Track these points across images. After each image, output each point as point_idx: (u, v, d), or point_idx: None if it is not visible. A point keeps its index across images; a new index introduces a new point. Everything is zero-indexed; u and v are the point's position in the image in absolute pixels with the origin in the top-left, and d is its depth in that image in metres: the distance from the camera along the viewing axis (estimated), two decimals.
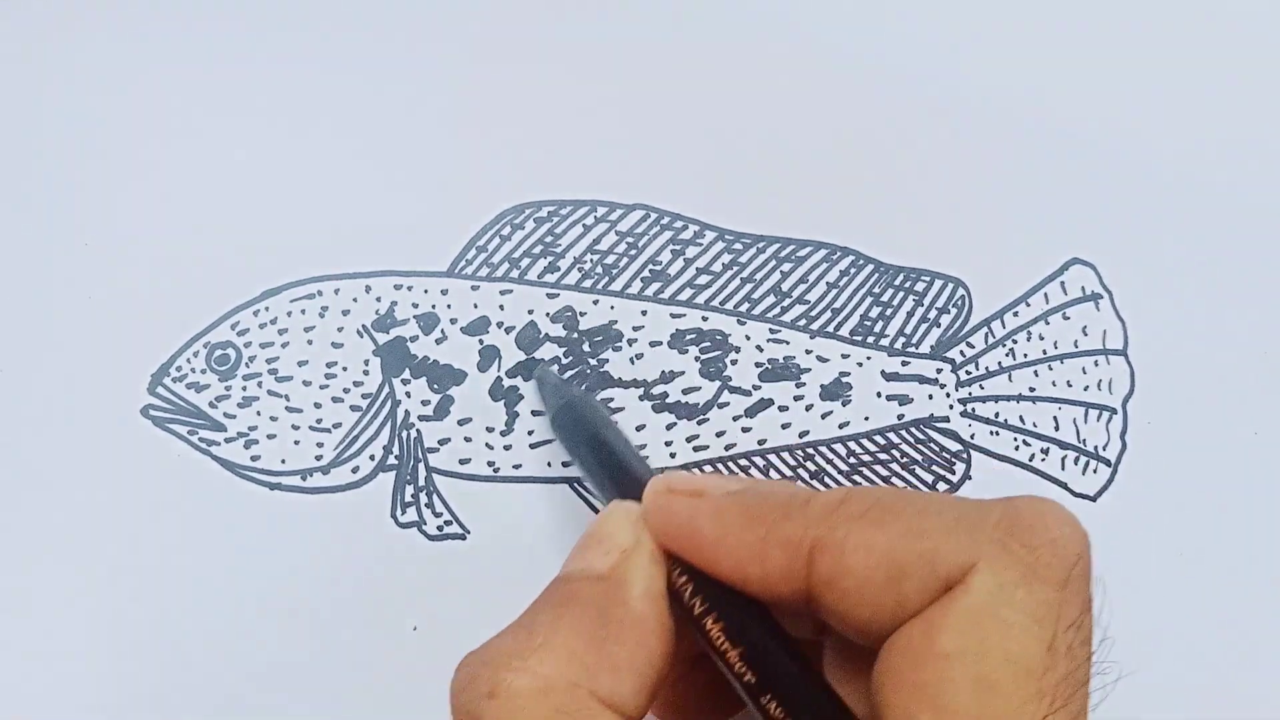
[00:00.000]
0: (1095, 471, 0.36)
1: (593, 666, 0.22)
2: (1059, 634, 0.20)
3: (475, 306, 0.36)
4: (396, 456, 0.35)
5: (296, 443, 0.34)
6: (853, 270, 0.37)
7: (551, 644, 0.22)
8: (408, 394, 0.35)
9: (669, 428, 0.35)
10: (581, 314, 0.36)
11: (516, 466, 0.35)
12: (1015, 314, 0.37)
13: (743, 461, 0.35)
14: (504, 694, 0.21)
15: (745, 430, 0.36)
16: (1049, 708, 0.20)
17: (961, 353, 0.37)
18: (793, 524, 0.22)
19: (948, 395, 0.36)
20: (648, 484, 0.25)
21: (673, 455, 0.35)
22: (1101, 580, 0.22)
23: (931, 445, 0.36)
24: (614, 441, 0.29)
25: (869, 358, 0.37)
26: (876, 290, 0.37)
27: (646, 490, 0.25)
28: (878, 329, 0.37)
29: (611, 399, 0.35)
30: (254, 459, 0.34)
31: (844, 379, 0.36)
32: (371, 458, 0.34)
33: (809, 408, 0.36)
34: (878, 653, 0.22)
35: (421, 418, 0.35)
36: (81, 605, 0.33)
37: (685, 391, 0.36)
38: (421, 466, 0.35)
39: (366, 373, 0.35)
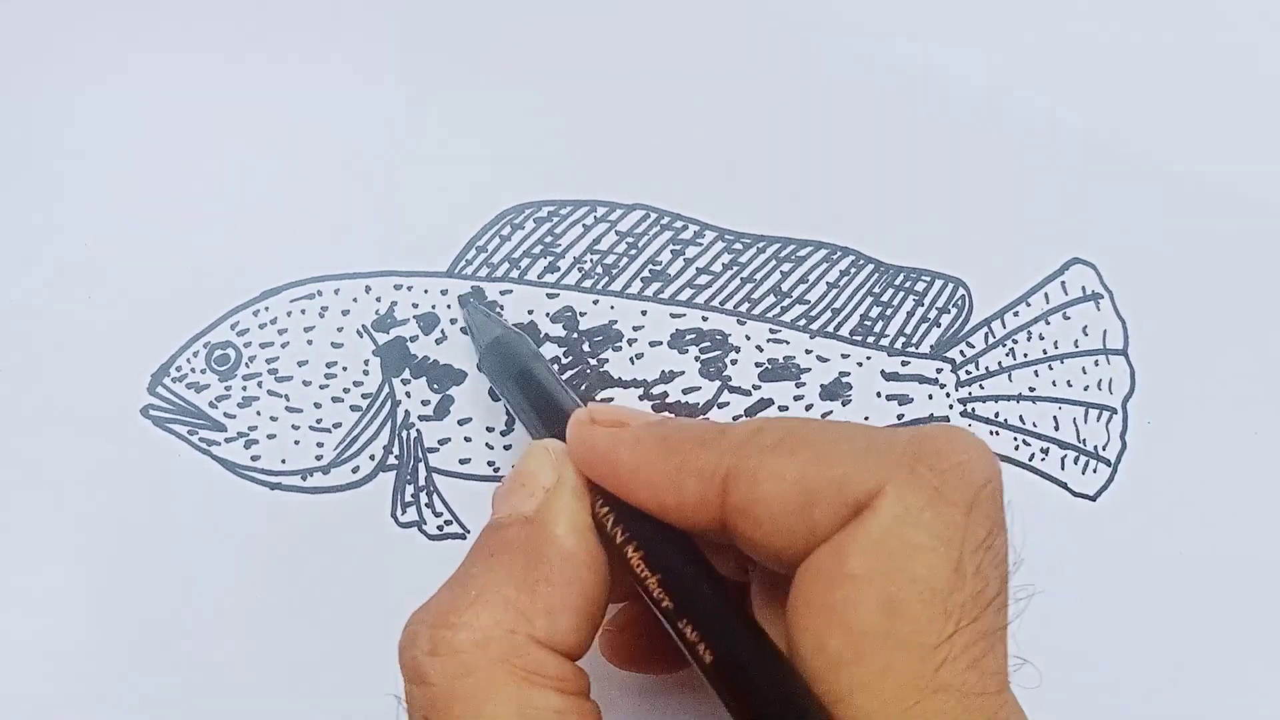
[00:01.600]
0: (1095, 471, 0.36)
1: (528, 610, 0.22)
2: (965, 555, 0.20)
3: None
4: (396, 456, 0.35)
5: (296, 443, 0.34)
6: (853, 270, 0.37)
7: (486, 595, 0.22)
8: (408, 394, 0.35)
9: None
10: (581, 314, 0.36)
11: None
12: (1015, 314, 0.37)
13: None
14: (445, 650, 0.22)
15: None
16: (955, 625, 0.20)
17: (961, 353, 0.37)
18: (707, 453, 0.23)
19: (948, 395, 0.36)
20: (571, 416, 0.25)
21: None
22: (1012, 504, 0.22)
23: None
24: (542, 376, 0.29)
25: (869, 358, 0.37)
26: (876, 290, 0.37)
27: (570, 421, 0.25)
28: (878, 329, 0.37)
29: (611, 399, 0.35)
30: (254, 459, 0.34)
31: (844, 379, 0.36)
32: (371, 458, 0.35)
33: (809, 408, 0.36)
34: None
35: (421, 418, 0.35)
36: (81, 605, 0.33)
37: (685, 391, 0.36)
38: (421, 466, 0.35)
39: (366, 373, 0.35)
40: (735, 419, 0.36)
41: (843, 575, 0.21)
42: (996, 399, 0.37)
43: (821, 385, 0.36)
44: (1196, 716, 0.34)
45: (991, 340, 0.37)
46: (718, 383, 0.36)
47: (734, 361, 0.36)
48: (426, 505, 0.34)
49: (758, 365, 0.36)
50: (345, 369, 0.35)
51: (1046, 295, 0.37)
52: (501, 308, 0.36)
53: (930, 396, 0.36)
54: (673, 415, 0.25)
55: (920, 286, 0.37)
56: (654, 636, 0.27)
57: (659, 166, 0.38)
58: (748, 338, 0.36)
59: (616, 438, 0.24)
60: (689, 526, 0.23)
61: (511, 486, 0.25)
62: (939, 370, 0.37)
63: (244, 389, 0.35)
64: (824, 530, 0.21)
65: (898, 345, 0.37)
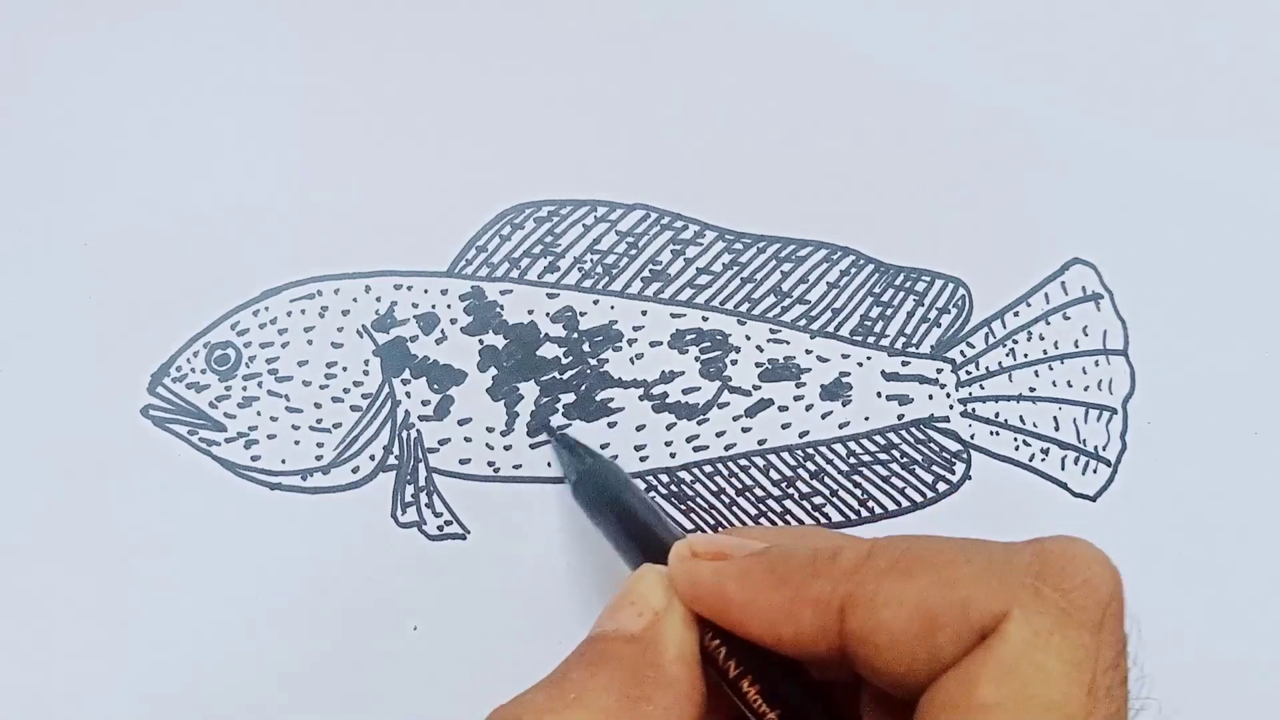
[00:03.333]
0: (1095, 471, 0.36)
1: None
2: (1098, 677, 0.20)
3: (475, 306, 0.36)
4: (396, 456, 0.35)
5: (296, 443, 0.34)
6: (853, 270, 0.37)
7: (584, 701, 0.22)
8: (408, 394, 0.35)
9: (669, 428, 0.35)
10: (581, 314, 0.36)
11: (516, 466, 0.35)
12: (1016, 314, 0.37)
13: (743, 461, 0.35)
14: None
15: (745, 430, 0.36)
16: None
17: (962, 353, 0.37)
18: (821, 582, 0.22)
19: (948, 395, 0.36)
20: (672, 548, 0.25)
21: (673, 455, 0.35)
22: (1136, 619, 0.21)
23: (931, 445, 0.36)
24: (635, 505, 0.30)
25: (869, 358, 0.37)
26: (877, 290, 0.37)
27: (671, 556, 0.25)
28: (878, 329, 0.37)
29: (611, 399, 0.35)
30: (254, 459, 0.34)
31: (844, 379, 0.36)
32: (372, 458, 0.35)
33: (809, 408, 0.36)
34: (916, 703, 0.21)
35: (421, 418, 0.35)
36: (82, 605, 0.33)
37: (685, 391, 0.36)
38: (421, 466, 0.35)
39: (366, 373, 0.35)
40: (735, 419, 0.36)
41: (974, 705, 0.20)
42: (997, 399, 0.37)
43: (821, 385, 0.36)
44: (1196, 716, 0.34)
45: (992, 340, 0.37)
46: (718, 383, 0.36)
47: (734, 361, 0.36)
48: (426, 505, 0.34)
49: (758, 365, 0.36)
50: (345, 369, 0.35)
51: (1046, 295, 0.37)
52: (501, 308, 0.36)
53: (930, 397, 0.36)
54: (777, 536, 0.25)
55: (920, 286, 0.37)
56: None
57: (659, 166, 0.38)
58: (748, 338, 0.36)
59: (721, 572, 0.24)
60: (805, 656, 0.23)
61: (620, 604, 0.25)
62: (939, 370, 0.37)
63: (244, 389, 0.35)
64: (949, 656, 0.21)
65: (898, 345, 0.37)
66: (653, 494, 0.35)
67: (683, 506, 0.35)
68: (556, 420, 0.35)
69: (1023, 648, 0.20)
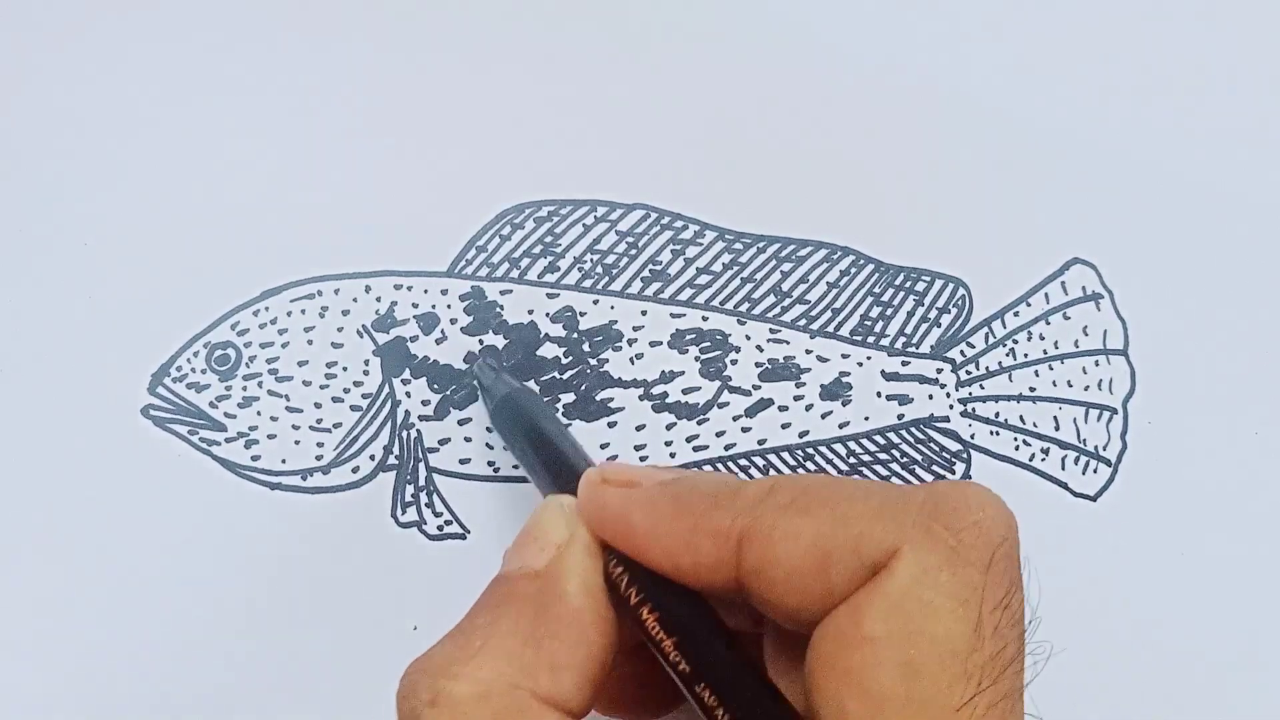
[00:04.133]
0: (1095, 471, 0.36)
1: (531, 666, 0.22)
2: (984, 615, 0.20)
3: (475, 306, 0.36)
4: (397, 456, 0.35)
5: (297, 443, 0.34)
6: (853, 270, 0.37)
7: (489, 647, 0.22)
8: (408, 394, 0.35)
9: (669, 428, 0.35)
10: (581, 314, 0.36)
11: (516, 466, 0.35)
12: (1016, 314, 0.37)
13: (743, 461, 0.35)
14: (444, 701, 0.21)
15: (745, 430, 0.36)
16: (976, 688, 0.20)
17: (962, 353, 0.37)
18: (721, 513, 0.23)
19: (948, 395, 0.36)
20: (583, 475, 0.25)
21: (673, 455, 0.35)
22: (1029, 561, 0.22)
23: (931, 445, 0.36)
24: (552, 434, 0.29)
25: (869, 358, 0.37)
26: (877, 290, 0.37)
27: (581, 482, 0.25)
28: (878, 329, 0.37)
29: (611, 399, 0.35)
30: (254, 459, 0.34)
31: (844, 379, 0.36)
32: (372, 458, 0.35)
33: (809, 408, 0.36)
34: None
35: (421, 418, 0.35)
36: (82, 605, 0.33)
37: (685, 391, 0.36)
38: (422, 466, 0.35)
39: (366, 373, 0.35)
40: (735, 419, 0.36)
41: (861, 637, 0.20)
42: (997, 399, 0.37)
43: (821, 385, 0.36)
44: (1197, 716, 0.34)
45: (992, 340, 0.37)
46: (718, 383, 0.36)
47: (734, 361, 0.36)
48: (426, 505, 0.34)
49: (758, 365, 0.36)
50: (345, 369, 0.35)
51: (1047, 295, 0.37)
52: (501, 308, 0.36)
53: (930, 396, 0.36)
54: (686, 471, 0.25)
55: (920, 286, 0.37)
56: (644, 684, 0.26)
57: (659, 166, 0.38)
58: (748, 338, 0.36)
59: (629, 498, 0.24)
60: (704, 587, 0.23)
61: (522, 541, 0.25)
62: (939, 370, 0.37)
63: (244, 389, 0.35)
64: (841, 591, 0.21)
65: (898, 345, 0.37)
66: None
67: None
68: (560, 413, 0.35)
69: (910, 583, 0.20)
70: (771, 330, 0.37)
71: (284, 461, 0.34)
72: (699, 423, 0.35)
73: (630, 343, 0.36)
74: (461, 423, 0.35)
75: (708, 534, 0.23)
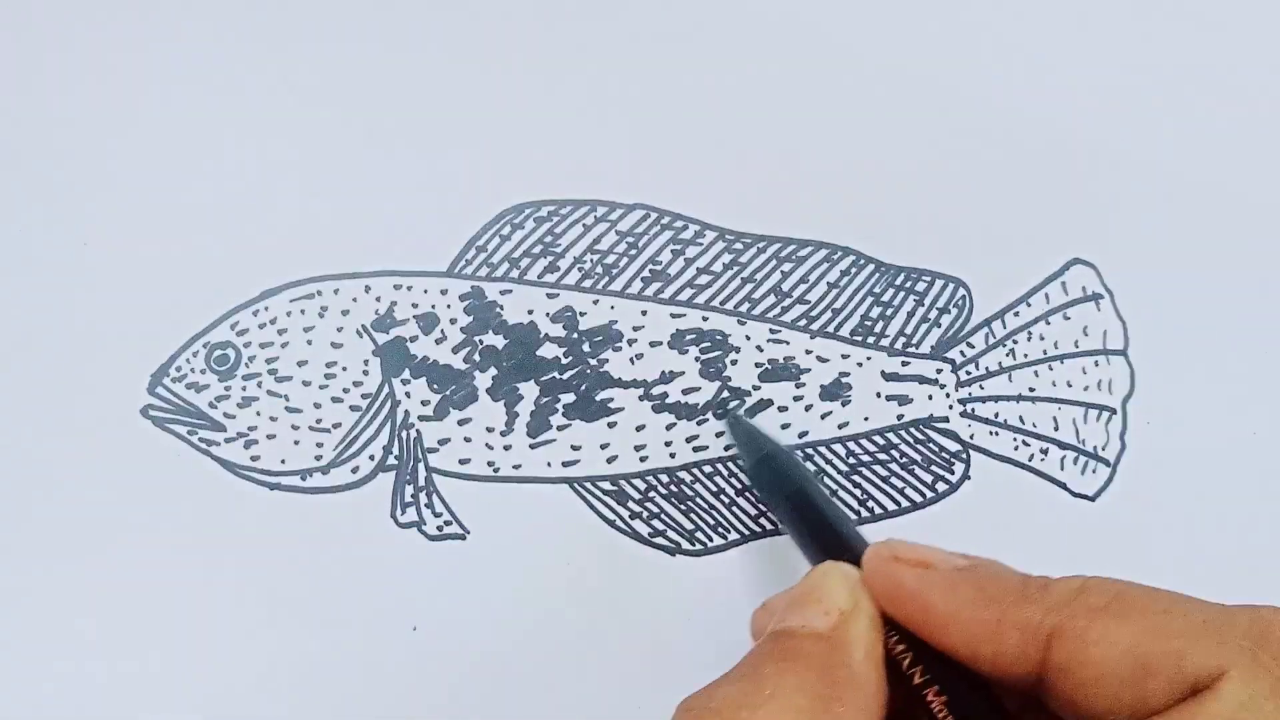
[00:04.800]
0: (1094, 471, 0.36)
1: None
2: None
3: (475, 306, 0.36)
4: (396, 456, 0.35)
5: (296, 443, 0.34)
6: (853, 270, 0.37)
7: (778, 698, 0.22)
8: (407, 394, 0.35)
9: (669, 428, 0.35)
10: (581, 314, 0.36)
11: (516, 466, 0.35)
12: (1016, 314, 0.37)
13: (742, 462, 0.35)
14: None
15: None
16: None
17: (962, 353, 0.37)
18: (1031, 608, 0.23)
19: (947, 395, 0.36)
20: (869, 549, 0.26)
21: (672, 455, 0.35)
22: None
23: (931, 445, 0.36)
24: (817, 498, 0.30)
25: (869, 358, 0.37)
26: (877, 290, 0.37)
27: (868, 555, 0.26)
28: (878, 329, 0.37)
29: (611, 399, 0.35)
30: (254, 459, 0.34)
31: (844, 379, 0.36)
32: (371, 458, 0.35)
33: (809, 408, 0.36)
34: None
35: (421, 418, 0.35)
36: (81, 605, 0.33)
37: (685, 391, 0.36)
38: (421, 466, 0.35)
39: (366, 373, 0.35)
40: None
41: None
42: (996, 399, 0.37)
43: (821, 385, 0.36)
44: None
45: (992, 340, 0.37)
46: (718, 383, 0.36)
47: (734, 362, 0.36)
48: (426, 505, 0.34)
49: (758, 365, 0.36)
50: (345, 369, 0.35)
51: (1047, 295, 0.37)
52: (501, 308, 0.36)
53: (930, 397, 0.36)
54: (981, 559, 0.25)
55: (920, 286, 0.37)
56: None
57: (659, 166, 0.38)
58: (748, 338, 0.36)
59: (928, 580, 0.24)
60: (998, 678, 0.23)
61: (803, 600, 0.25)
62: (939, 370, 0.37)
63: (244, 389, 0.35)
64: (1156, 704, 0.21)
65: (898, 345, 0.37)
66: (653, 493, 0.35)
67: (683, 506, 0.35)
68: (557, 420, 0.35)
69: (1236, 708, 0.20)
70: (771, 330, 0.37)
71: (284, 461, 0.34)
72: (699, 423, 0.36)
73: (630, 343, 0.36)
74: (461, 423, 0.35)
75: (1015, 626, 0.23)
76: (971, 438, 0.36)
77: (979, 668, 0.23)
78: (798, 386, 0.36)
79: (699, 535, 0.34)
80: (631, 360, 0.36)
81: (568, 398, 0.35)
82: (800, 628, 0.24)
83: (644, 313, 0.36)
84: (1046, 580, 0.24)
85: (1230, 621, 0.22)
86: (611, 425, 0.35)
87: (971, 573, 0.24)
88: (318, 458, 0.34)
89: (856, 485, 0.35)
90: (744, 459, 0.34)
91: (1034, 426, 0.36)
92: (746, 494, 0.35)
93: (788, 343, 0.36)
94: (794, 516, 0.30)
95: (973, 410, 0.36)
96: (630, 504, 0.35)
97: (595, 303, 0.36)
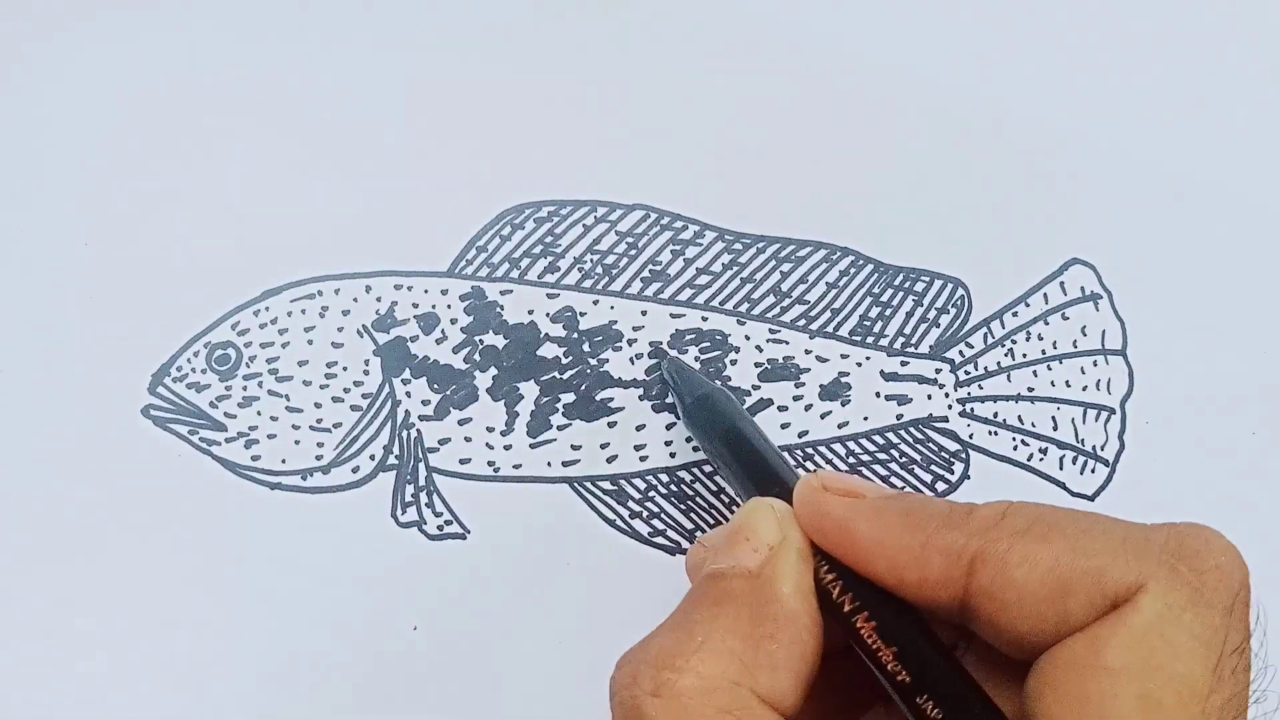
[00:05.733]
0: (1093, 471, 0.36)
1: (751, 665, 0.22)
2: (1223, 658, 0.21)
3: (475, 306, 0.36)
4: (397, 456, 0.35)
5: (297, 443, 0.35)
6: (852, 270, 0.37)
7: (710, 642, 0.23)
8: (408, 394, 0.35)
9: (669, 428, 0.35)
10: (581, 314, 0.36)
11: (516, 466, 0.35)
12: (1015, 314, 0.37)
13: None
14: (669, 693, 0.22)
15: None
16: None
17: (961, 353, 0.37)
18: (955, 533, 0.23)
19: (946, 395, 0.36)
20: (799, 481, 0.26)
21: (673, 455, 0.35)
22: (1262, 609, 0.22)
23: (930, 445, 0.36)
24: (751, 435, 0.30)
25: (868, 358, 0.37)
26: (876, 290, 0.37)
27: (798, 487, 0.26)
28: (877, 329, 0.37)
29: (611, 399, 0.35)
30: (254, 459, 0.34)
31: (843, 379, 0.36)
32: (372, 458, 0.35)
33: (808, 408, 0.36)
34: (1029, 664, 0.22)
35: (422, 417, 0.35)
36: (81, 605, 0.33)
37: None
38: (422, 466, 0.35)
39: (367, 373, 0.35)
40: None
41: (1099, 667, 0.21)
42: (995, 399, 0.37)
43: (821, 385, 0.36)
44: None
45: (990, 340, 0.37)
46: (717, 383, 0.36)
47: (734, 361, 0.36)
48: (426, 505, 0.34)
49: (757, 365, 0.36)
50: (345, 369, 0.35)
51: (1045, 295, 0.37)
52: (501, 308, 0.36)
53: (929, 397, 0.36)
54: (905, 490, 0.25)
55: (920, 287, 0.37)
56: (835, 689, 0.26)
57: (659, 166, 0.38)
58: (747, 338, 0.36)
59: (854, 508, 0.24)
60: (923, 603, 0.24)
61: (733, 539, 0.25)
62: (938, 370, 0.37)
63: (244, 389, 0.35)
64: (1077, 620, 0.21)
65: (897, 345, 0.37)
66: (653, 493, 0.35)
67: (682, 506, 0.35)
68: (557, 419, 0.35)
69: (1155, 619, 0.21)
70: (771, 330, 0.37)
71: (284, 461, 0.34)
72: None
73: (630, 343, 0.36)
74: (461, 423, 0.35)
75: (939, 551, 0.23)
76: (971, 437, 0.36)
77: (905, 594, 0.24)
78: (797, 386, 0.36)
79: (699, 535, 0.34)
80: (631, 360, 0.36)
81: (568, 397, 0.35)
82: (730, 568, 0.24)
83: (644, 313, 0.36)
84: (971, 506, 0.24)
85: (1148, 538, 0.22)
86: (611, 425, 0.35)
87: (899, 500, 0.25)
88: (318, 457, 0.34)
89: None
90: (679, 401, 0.34)
91: (1033, 426, 0.36)
92: None
93: (787, 343, 0.36)
94: (728, 455, 0.30)
95: (972, 410, 0.36)
96: (630, 504, 0.35)
97: (595, 303, 0.36)
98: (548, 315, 0.36)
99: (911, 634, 0.23)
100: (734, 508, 0.35)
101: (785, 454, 0.30)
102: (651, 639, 0.23)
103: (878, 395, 0.36)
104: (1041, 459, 0.36)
